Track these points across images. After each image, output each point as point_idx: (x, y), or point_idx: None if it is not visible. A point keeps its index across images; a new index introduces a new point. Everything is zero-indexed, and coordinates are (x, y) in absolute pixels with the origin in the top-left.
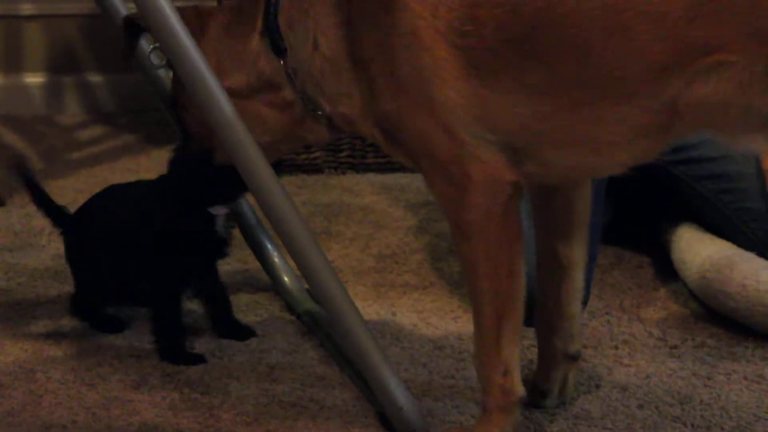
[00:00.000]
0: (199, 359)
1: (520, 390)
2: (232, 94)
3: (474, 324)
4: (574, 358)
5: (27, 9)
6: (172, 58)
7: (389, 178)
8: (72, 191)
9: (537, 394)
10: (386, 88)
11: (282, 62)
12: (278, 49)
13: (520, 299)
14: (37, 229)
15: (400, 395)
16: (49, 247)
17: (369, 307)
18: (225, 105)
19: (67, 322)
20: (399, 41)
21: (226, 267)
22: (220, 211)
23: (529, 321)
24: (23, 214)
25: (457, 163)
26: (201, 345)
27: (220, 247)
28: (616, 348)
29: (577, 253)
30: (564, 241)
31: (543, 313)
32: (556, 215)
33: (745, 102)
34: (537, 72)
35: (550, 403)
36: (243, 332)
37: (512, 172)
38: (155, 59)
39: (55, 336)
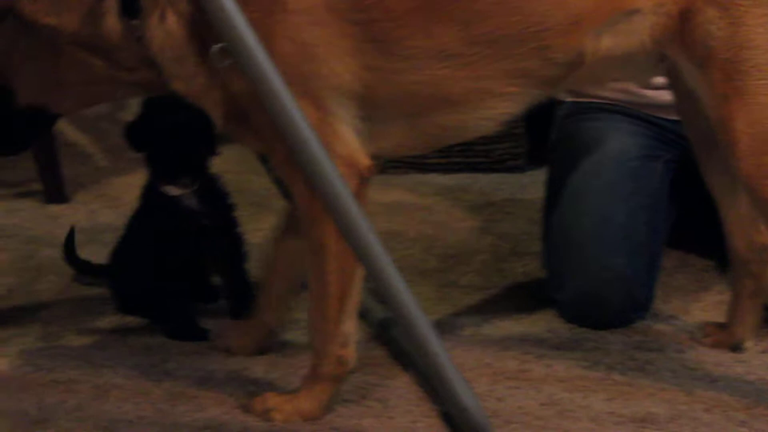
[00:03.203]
0: (204, 335)
1: (354, 361)
2: (59, 34)
3: (315, 300)
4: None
5: None
6: (238, 58)
7: (451, 179)
8: (136, 188)
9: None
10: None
11: (131, 23)
12: (130, 10)
13: (360, 278)
14: (102, 226)
15: (465, 396)
16: (114, 244)
17: (432, 307)
18: (290, 105)
19: (133, 318)
20: (284, 18)
21: None
22: (175, 191)
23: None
24: (88, 210)
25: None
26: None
27: (191, 222)
28: (682, 352)
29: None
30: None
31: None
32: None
33: (647, 51)
34: (448, 34)
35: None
36: None
37: (366, 156)
38: (221, 59)
39: (121, 332)
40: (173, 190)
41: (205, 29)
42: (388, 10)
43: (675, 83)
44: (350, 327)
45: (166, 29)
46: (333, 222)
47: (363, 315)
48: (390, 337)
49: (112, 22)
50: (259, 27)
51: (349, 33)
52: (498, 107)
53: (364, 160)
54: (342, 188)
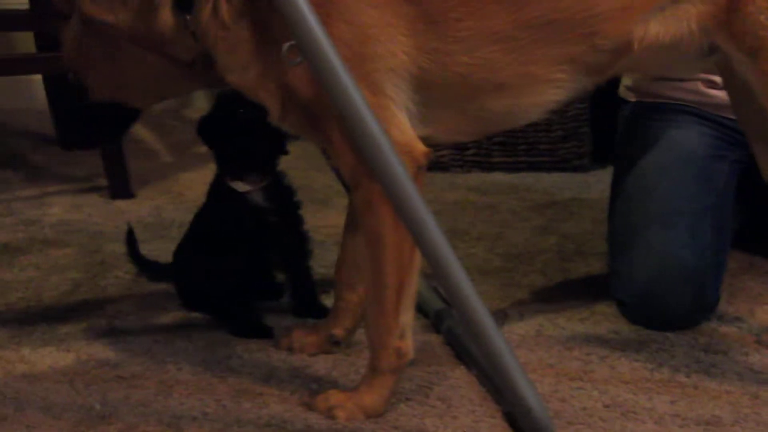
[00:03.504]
0: (268, 332)
1: (412, 353)
2: (117, 31)
3: (372, 292)
4: None
5: None
6: (307, 55)
7: (515, 178)
8: (200, 184)
9: None
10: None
11: (185, 17)
12: (183, 3)
13: (418, 270)
14: (168, 221)
15: (530, 397)
16: (179, 239)
17: (495, 307)
18: (358, 101)
19: (197, 314)
20: (339, 1)
21: None
22: (243, 188)
23: None
24: (153, 206)
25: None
26: None
27: (259, 219)
28: (747, 354)
29: None
30: None
31: None
32: None
33: (694, 39)
34: (501, 16)
35: None
36: (325, 313)
37: (420, 145)
38: (292, 57)
39: (185, 328)
40: (241, 187)
41: (258, 20)
42: None
43: (727, 78)
44: (408, 318)
45: (219, 21)
46: (389, 211)
47: (420, 306)
48: (448, 330)
49: (166, 17)
50: (315, 11)
51: (404, 13)
52: (546, 94)
53: (421, 147)
54: (405, 179)
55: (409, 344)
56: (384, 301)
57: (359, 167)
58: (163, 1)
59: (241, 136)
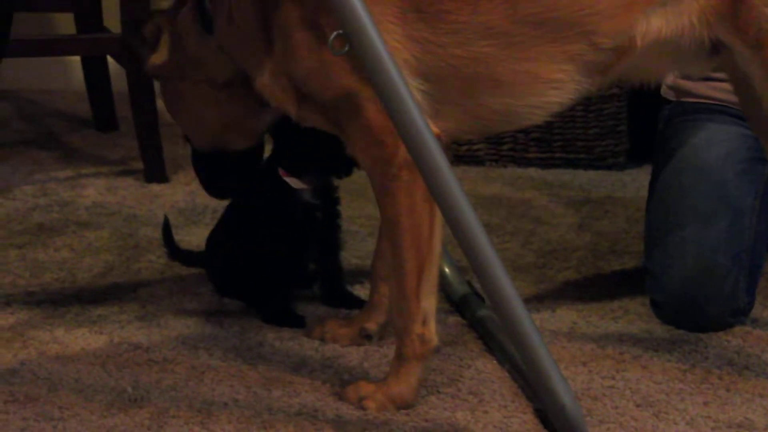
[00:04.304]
0: (300, 321)
1: (436, 339)
2: (164, 72)
3: (393, 278)
4: None
5: None
6: (355, 44)
7: (551, 174)
8: None
9: None
10: (308, 44)
11: (212, 37)
12: (207, 25)
13: (438, 254)
14: (201, 207)
15: (563, 393)
16: (213, 225)
17: (528, 303)
18: (404, 92)
19: (230, 300)
20: None
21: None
22: (297, 184)
23: None
24: (188, 191)
25: (384, 119)
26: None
27: (306, 215)
28: None
29: None
30: None
31: None
32: None
33: (696, 34)
34: (495, 11)
35: None
36: (352, 302)
37: (434, 127)
38: (338, 46)
39: (217, 314)
40: (296, 183)
41: (262, 17)
42: None
43: (733, 80)
44: (430, 304)
45: (235, 29)
46: (406, 195)
47: (444, 289)
48: (477, 318)
49: (193, 42)
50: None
51: (393, 2)
52: (546, 95)
53: (435, 129)
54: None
55: (432, 330)
56: (404, 287)
57: (381, 152)
58: (187, 28)
59: (311, 138)
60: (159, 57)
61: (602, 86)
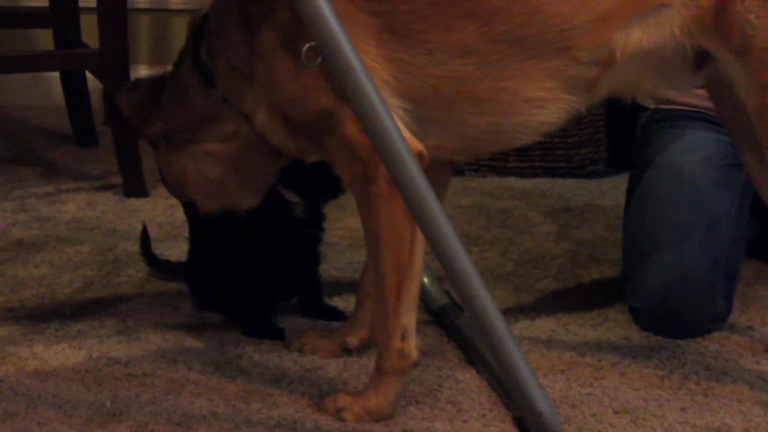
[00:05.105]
0: (280, 334)
1: (415, 354)
2: (179, 137)
3: (374, 292)
4: None
5: (176, 3)
6: (328, 57)
7: (530, 183)
8: None
9: None
10: (287, 70)
11: (214, 90)
12: (207, 78)
13: (418, 269)
14: (181, 221)
15: (541, 401)
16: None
17: (508, 311)
18: (376, 100)
19: (209, 314)
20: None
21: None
22: (294, 198)
23: None
24: (167, 206)
25: (363, 137)
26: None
27: (299, 229)
28: (758, 363)
29: None
30: None
31: None
32: None
33: (678, 43)
34: (467, 30)
35: None
36: (331, 313)
37: (415, 142)
38: (308, 57)
39: (197, 327)
40: (294, 197)
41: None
42: (407, 2)
43: (714, 84)
44: (409, 320)
45: (235, 74)
46: (386, 211)
47: (424, 299)
48: (454, 327)
49: (199, 98)
50: (284, 31)
51: (370, 24)
52: (530, 113)
53: (418, 145)
54: (422, 181)
55: (412, 345)
56: (384, 302)
57: (362, 169)
58: (188, 83)
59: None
60: (161, 120)
61: (591, 104)
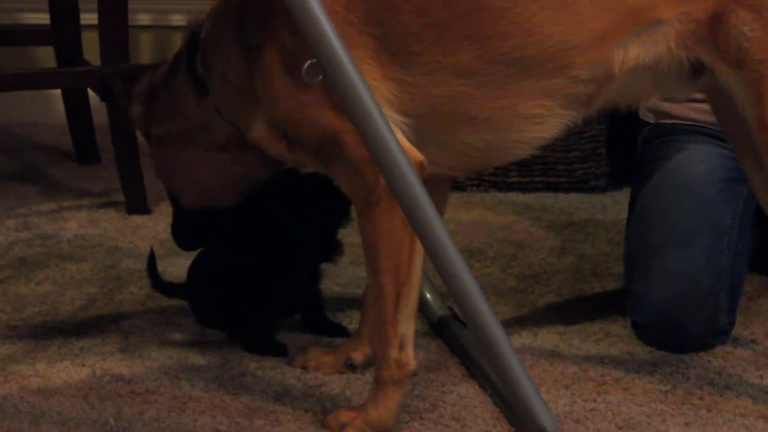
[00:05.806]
0: (283, 350)
1: (413, 363)
2: (171, 140)
3: (372, 301)
4: None
5: (178, 20)
6: (330, 73)
7: (531, 198)
8: None
9: None
10: (286, 87)
11: (207, 99)
12: (201, 88)
13: (417, 278)
14: None
15: (544, 417)
16: (194, 255)
17: (510, 327)
18: (378, 117)
19: (212, 331)
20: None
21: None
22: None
23: None
24: (169, 222)
25: (363, 150)
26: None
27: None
28: (762, 377)
29: None
30: None
31: None
32: None
33: (675, 57)
34: (465, 52)
35: None
36: (333, 329)
37: (416, 153)
38: (310, 75)
39: (199, 344)
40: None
41: (253, 54)
42: (403, 25)
43: (713, 96)
44: (407, 329)
45: (232, 85)
46: (385, 221)
47: (425, 314)
48: (453, 337)
49: (193, 106)
50: (283, 46)
51: (368, 45)
52: (528, 130)
53: (418, 155)
54: (424, 197)
55: (409, 355)
56: (382, 311)
57: (361, 181)
58: (182, 92)
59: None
60: (157, 123)
61: (588, 117)
